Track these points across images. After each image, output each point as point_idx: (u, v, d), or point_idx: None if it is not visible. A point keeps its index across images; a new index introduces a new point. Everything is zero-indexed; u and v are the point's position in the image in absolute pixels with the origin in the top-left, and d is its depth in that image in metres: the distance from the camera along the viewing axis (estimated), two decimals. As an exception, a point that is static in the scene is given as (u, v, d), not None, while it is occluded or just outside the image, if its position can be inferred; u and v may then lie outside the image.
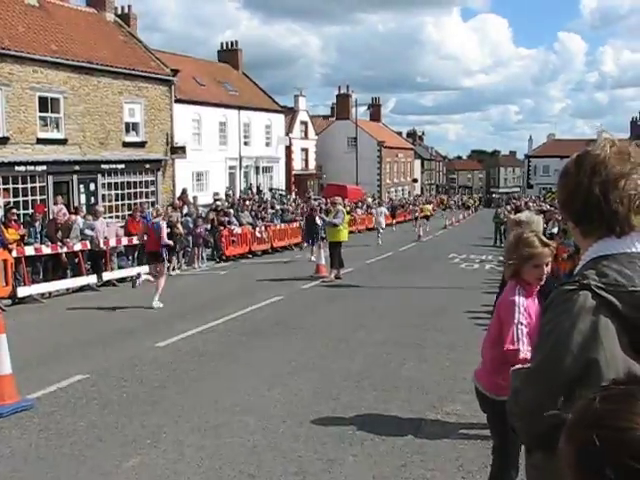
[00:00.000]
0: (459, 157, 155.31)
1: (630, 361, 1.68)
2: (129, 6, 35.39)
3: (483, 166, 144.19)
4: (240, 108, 42.77)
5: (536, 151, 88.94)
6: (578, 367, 1.67)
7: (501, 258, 23.67)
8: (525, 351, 3.83)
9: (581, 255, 1.94)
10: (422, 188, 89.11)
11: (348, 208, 33.96)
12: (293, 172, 53.86)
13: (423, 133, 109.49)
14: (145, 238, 14.86)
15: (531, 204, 36.48)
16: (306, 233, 24.12)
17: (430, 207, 45.56)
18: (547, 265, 4.17)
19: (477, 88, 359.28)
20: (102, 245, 17.63)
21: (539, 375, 1.74)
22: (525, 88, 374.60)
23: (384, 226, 33.51)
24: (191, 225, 21.87)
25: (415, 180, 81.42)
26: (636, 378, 1.26)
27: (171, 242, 15.04)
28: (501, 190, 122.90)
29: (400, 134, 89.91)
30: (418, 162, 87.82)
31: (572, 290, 1.74)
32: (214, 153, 39.63)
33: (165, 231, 14.37)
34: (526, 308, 4.07)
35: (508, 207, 38.09)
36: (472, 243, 31.37)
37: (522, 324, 3.98)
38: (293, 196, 43.59)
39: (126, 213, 26.73)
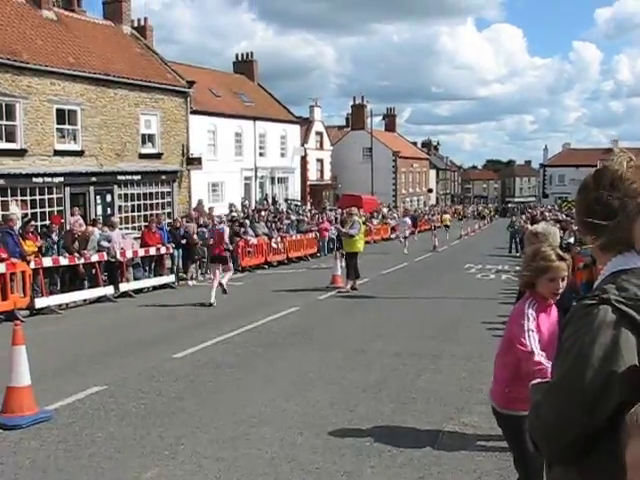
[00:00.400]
0: (474, 167, 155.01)
1: None
2: (145, 19, 35.79)
3: (498, 176, 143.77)
4: (255, 119, 42.96)
5: (551, 160, 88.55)
6: (599, 381, 1.68)
7: (517, 268, 23.63)
8: (538, 354, 3.84)
9: (599, 269, 1.95)
10: (437, 198, 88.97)
11: (364, 218, 34.02)
12: (308, 182, 53.96)
13: (438, 143, 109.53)
14: (211, 242, 17.20)
15: (547, 214, 36.40)
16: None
17: (449, 217, 47.98)
18: (563, 280, 4.13)
19: (492, 98, 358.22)
20: (119, 256, 17.74)
21: (561, 389, 1.75)
22: (540, 97, 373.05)
23: (407, 234, 34.56)
24: (207, 236, 21.93)
25: (430, 190, 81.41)
26: None
27: (230, 246, 17.33)
28: (517, 200, 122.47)
29: (415, 144, 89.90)
30: (433, 172, 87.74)
31: (592, 305, 1.75)
32: (230, 164, 39.80)
33: (227, 235, 16.69)
34: (537, 321, 4.05)
35: (523, 217, 38.01)
36: (488, 253, 31.26)
37: (532, 331, 3.97)
38: (308, 206, 43.66)
39: (142, 224, 26.88)
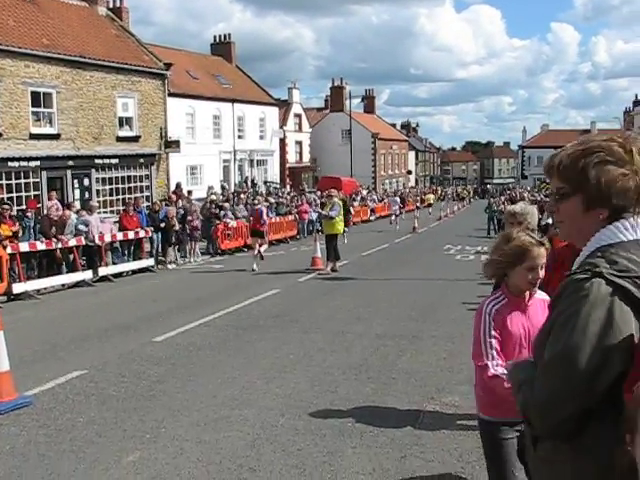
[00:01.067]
0: (453, 148, 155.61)
1: None
2: (121, 0, 35.28)
3: (477, 157, 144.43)
4: (234, 101, 42.72)
5: (530, 142, 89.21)
6: (598, 355, 1.71)
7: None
8: (493, 367, 3.43)
9: (578, 243, 1.97)
10: (416, 180, 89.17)
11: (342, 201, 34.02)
12: (287, 165, 53.86)
13: (417, 125, 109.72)
14: (251, 219, 20.38)
15: (526, 195, 36.57)
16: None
17: (432, 196, 53.25)
18: (542, 268, 3.58)
19: (471, 79, 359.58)
20: (97, 240, 17.61)
21: (557, 366, 1.76)
22: (518, 79, 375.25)
23: (398, 213, 38.41)
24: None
25: (409, 172, 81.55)
26: None
27: (266, 222, 20.34)
28: (495, 181, 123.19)
29: (394, 126, 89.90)
30: (412, 154, 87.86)
31: (585, 279, 1.78)
32: (208, 147, 39.60)
33: (265, 213, 19.81)
34: (503, 322, 3.55)
35: (502, 198, 38.19)
36: (467, 234, 31.40)
37: (489, 339, 3.51)
38: (288, 189, 43.58)
39: (121, 208, 26.69)
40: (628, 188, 1.86)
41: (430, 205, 50.99)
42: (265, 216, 19.79)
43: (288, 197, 35.49)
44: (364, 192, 48.90)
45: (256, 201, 22.52)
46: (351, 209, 32.57)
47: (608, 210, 1.88)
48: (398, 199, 41.65)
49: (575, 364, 1.72)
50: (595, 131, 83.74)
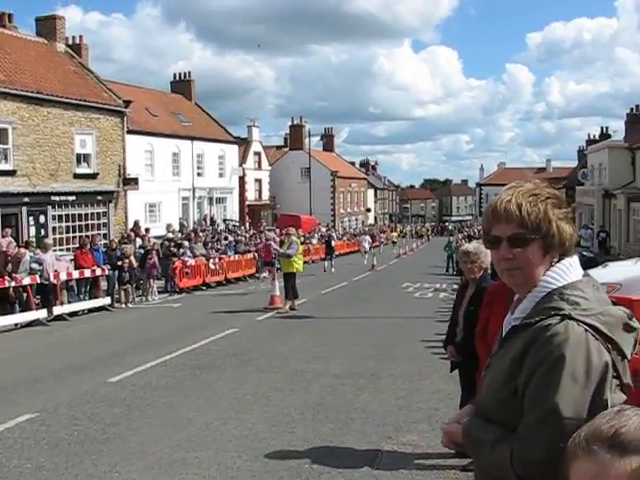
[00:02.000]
0: (412, 186, 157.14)
1: (614, 387, 1.77)
2: (80, 36, 35.25)
3: (436, 195, 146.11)
4: (193, 139, 42.72)
5: (487, 179, 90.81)
6: (600, 401, 1.71)
7: (455, 286, 23.99)
8: None
9: (524, 289, 1.95)
10: (375, 217, 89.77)
11: (302, 238, 34.12)
12: (247, 202, 53.82)
13: (376, 163, 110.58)
14: (261, 252, 24.90)
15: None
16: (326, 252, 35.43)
17: (395, 234, 60.11)
18: None
19: (429, 118, 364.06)
20: (52, 279, 17.30)
21: (557, 419, 1.69)
22: (475, 118, 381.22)
23: (368, 249, 41.44)
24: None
25: (369, 210, 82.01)
26: None
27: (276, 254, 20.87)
28: (454, 218, 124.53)
29: (353, 164, 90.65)
30: (371, 191, 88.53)
31: (557, 324, 1.77)
32: (167, 184, 39.42)
33: (274, 246, 21.79)
34: None
35: (460, 235, 38.63)
36: (425, 272, 31.66)
37: None
38: (247, 227, 43.52)
39: (78, 245, 26.30)
40: (572, 232, 1.93)
41: (394, 243, 53.95)
42: (275, 247, 21.68)
43: (247, 235, 35.43)
44: (323, 229, 49.08)
45: (265, 237, 26.78)
46: (332, 243, 36.67)
47: (559, 254, 1.92)
48: (368, 237, 45.81)
49: (575, 416, 1.68)
50: (551, 169, 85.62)
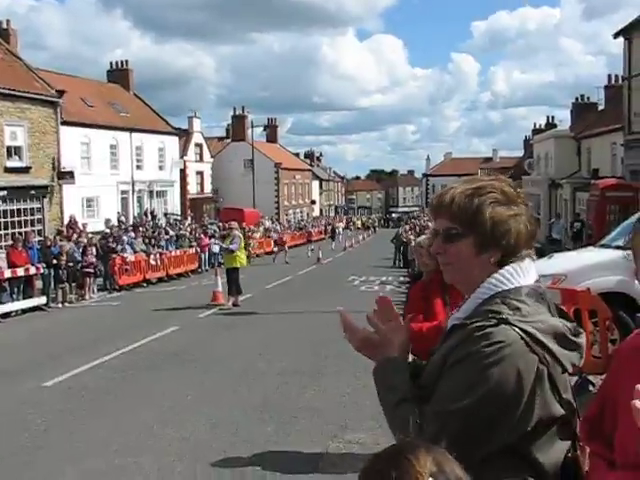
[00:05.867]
0: (357, 177, 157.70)
1: (550, 400, 1.75)
2: (7, 21, 34.05)
3: (382, 186, 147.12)
4: (132, 130, 42.02)
5: (434, 170, 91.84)
6: (514, 409, 1.70)
7: (402, 279, 24.21)
8: None
9: (465, 287, 1.95)
10: (321, 209, 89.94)
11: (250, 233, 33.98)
12: (188, 196, 53.24)
13: (321, 154, 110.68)
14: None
15: (431, 224, 37.42)
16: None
17: (342, 225, 61.16)
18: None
19: (374, 108, 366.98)
20: (-18, 278, 16.83)
21: (470, 417, 1.71)
22: (422, 107, 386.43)
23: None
24: (79, 255, 21.14)
25: (313, 202, 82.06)
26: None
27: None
28: (400, 209, 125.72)
29: (297, 155, 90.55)
30: (316, 183, 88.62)
31: (490, 326, 1.74)
32: (105, 177, 38.69)
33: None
34: None
35: (407, 227, 38.90)
36: (372, 264, 31.87)
37: None
38: (188, 221, 43.09)
39: (10, 243, 25.64)
40: (519, 231, 1.86)
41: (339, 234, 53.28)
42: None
43: (189, 229, 35.08)
44: (267, 223, 48.94)
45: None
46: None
47: (499, 253, 1.86)
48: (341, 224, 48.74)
49: (489, 418, 1.70)
50: (497, 159, 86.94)
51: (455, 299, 4.22)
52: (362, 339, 2.05)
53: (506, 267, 1.86)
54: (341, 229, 45.19)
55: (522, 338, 1.72)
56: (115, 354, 11.94)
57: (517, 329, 1.72)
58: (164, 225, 35.83)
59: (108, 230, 26.77)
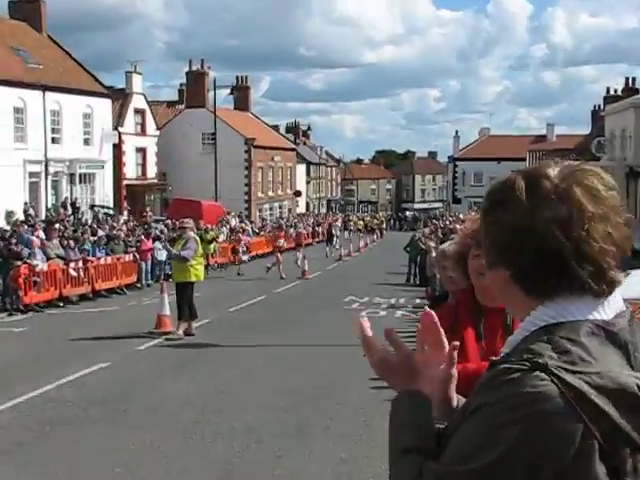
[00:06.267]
0: (359, 160, 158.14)
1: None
2: None
3: (392, 173, 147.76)
4: (45, 88, 42.06)
5: (465, 152, 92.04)
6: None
7: (417, 301, 24.20)
8: None
9: (517, 319, 1.96)
10: (308, 204, 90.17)
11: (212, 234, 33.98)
12: (124, 182, 53.33)
13: (309, 128, 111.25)
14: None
15: (459, 226, 37.50)
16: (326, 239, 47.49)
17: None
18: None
19: (383, 65, 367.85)
20: None
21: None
22: (449, 65, 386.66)
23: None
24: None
25: (298, 193, 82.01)
26: None
27: None
28: (417, 206, 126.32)
29: (277, 129, 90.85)
30: (302, 168, 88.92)
31: (521, 372, 1.70)
32: (6, 153, 38.65)
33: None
34: None
35: (426, 230, 38.97)
36: (377, 281, 31.89)
37: None
38: (124, 217, 43.07)
39: None
40: (594, 256, 1.80)
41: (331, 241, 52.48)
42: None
43: (125, 228, 35.02)
44: (234, 221, 48.95)
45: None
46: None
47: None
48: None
49: None
50: (553, 137, 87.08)
51: (492, 328, 4.15)
52: (381, 360, 2.09)
53: (564, 295, 1.82)
54: (337, 230, 45.07)
55: (562, 394, 1.66)
56: (15, 402, 11.85)
57: (557, 380, 1.67)
58: (90, 222, 35.79)
59: (9, 227, 26.66)
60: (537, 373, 1.68)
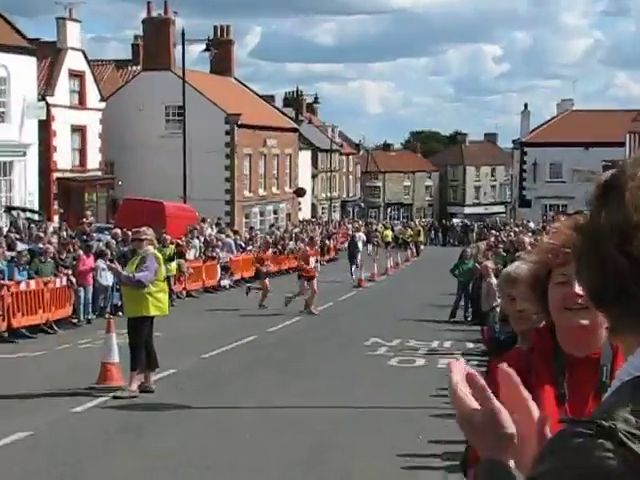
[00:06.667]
0: (387, 146, 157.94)
1: None
2: None
3: (434, 164, 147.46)
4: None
5: (538, 133, 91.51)
6: None
7: (470, 345, 24.19)
8: None
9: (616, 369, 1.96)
10: (314, 206, 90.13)
11: (171, 249, 33.99)
12: (56, 175, 53.41)
13: (316, 99, 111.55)
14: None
15: (527, 239, 37.48)
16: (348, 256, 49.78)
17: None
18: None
19: (420, 11, 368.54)
20: None
21: None
22: (514, 12, 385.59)
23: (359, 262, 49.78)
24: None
25: (301, 192, 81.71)
26: None
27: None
28: (469, 210, 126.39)
29: (271, 100, 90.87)
30: (307, 156, 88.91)
31: (584, 435, 1.73)
32: None
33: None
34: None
35: (482, 245, 39.01)
36: (413, 317, 31.85)
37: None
38: (56, 223, 43.18)
39: None
40: None
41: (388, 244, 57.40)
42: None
43: (56, 238, 35.12)
44: (210, 231, 49.00)
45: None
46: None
47: None
48: (363, 235, 54.63)
49: None
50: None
51: (580, 386, 4.15)
52: (466, 415, 2.15)
53: None
54: (361, 244, 45.54)
55: (631, 473, 1.67)
56: None
57: (627, 454, 1.68)
58: (5, 230, 35.89)
59: None
60: (602, 441, 1.70)
